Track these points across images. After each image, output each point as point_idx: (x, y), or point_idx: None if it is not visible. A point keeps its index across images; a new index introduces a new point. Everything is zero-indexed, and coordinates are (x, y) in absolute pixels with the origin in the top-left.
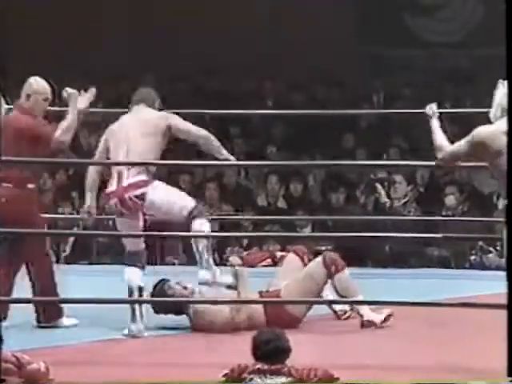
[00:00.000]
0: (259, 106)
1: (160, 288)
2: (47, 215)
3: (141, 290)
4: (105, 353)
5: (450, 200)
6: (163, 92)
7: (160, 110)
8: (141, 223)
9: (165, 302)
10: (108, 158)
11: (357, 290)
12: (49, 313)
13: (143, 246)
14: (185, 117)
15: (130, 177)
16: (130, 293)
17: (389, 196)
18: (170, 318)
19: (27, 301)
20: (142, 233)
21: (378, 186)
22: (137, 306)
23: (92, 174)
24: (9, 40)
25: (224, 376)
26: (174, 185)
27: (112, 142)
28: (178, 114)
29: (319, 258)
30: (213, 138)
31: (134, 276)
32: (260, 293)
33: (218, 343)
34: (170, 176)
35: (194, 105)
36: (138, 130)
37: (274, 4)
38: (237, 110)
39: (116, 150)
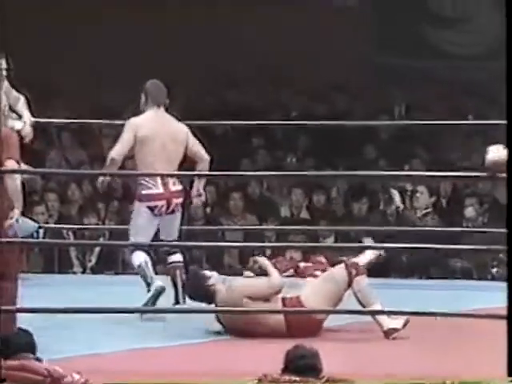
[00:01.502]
0: (283, 118)
1: (194, 274)
2: (73, 226)
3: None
4: (139, 362)
5: (470, 212)
6: (191, 104)
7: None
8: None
9: (198, 291)
10: (131, 157)
11: (376, 297)
12: None
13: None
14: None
15: (176, 184)
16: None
17: (404, 203)
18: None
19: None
20: (168, 243)
21: (393, 191)
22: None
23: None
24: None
25: None
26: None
27: (145, 145)
28: (203, 125)
29: (342, 263)
30: (208, 165)
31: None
32: (283, 299)
33: (246, 349)
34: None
35: (218, 117)
36: (169, 137)
37: (296, 18)
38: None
39: (153, 155)
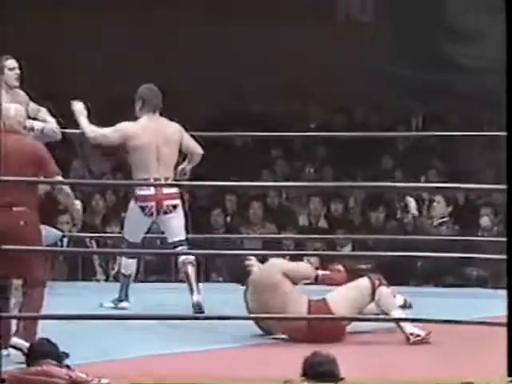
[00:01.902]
0: (303, 129)
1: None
2: (97, 234)
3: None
4: (159, 367)
5: (485, 221)
6: (215, 114)
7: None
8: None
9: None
10: (121, 156)
11: (396, 305)
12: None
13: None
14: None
15: (169, 187)
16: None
17: (421, 212)
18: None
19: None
20: (187, 251)
21: (409, 199)
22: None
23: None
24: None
25: None
26: (221, 204)
27: (139, 154)
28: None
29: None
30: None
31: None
32: (309, 301)
33: (268, 355)
34: (216, 195)
35: (239, 129)
36: (163, 142)
37: (314, 32)
38: (281, 132)
39: (147, 159)
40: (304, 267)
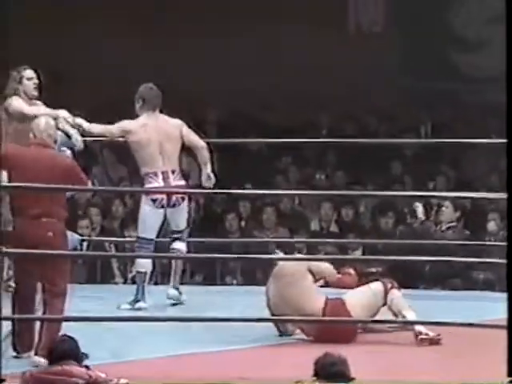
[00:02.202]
0: (315, 137)
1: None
2: (115, 238)
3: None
4: (179, 367)
5: (492, 226)
6: (226, 124)
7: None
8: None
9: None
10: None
11: (407, 307)
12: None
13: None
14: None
15: (177, 179)
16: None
17: (429, 216)
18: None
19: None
20: (205, 255)
21: (417, 204)
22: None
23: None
24: None
25: None
26: (235, 209)
27: (141, 150)
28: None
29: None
30: (207, 151)
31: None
32: (326, 298)
33: (281, 356)
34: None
35: (254, 136)
36: (165, 138)
37: (327, 44)
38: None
39: (151, 154)
40: (328, 267)
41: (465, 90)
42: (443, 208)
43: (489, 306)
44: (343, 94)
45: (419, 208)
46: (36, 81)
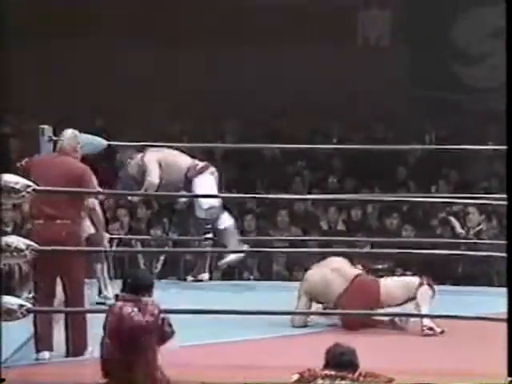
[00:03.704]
0: (325, 144)
1: None
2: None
3: None
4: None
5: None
6: (246, 132)
7: None
8: None
9: None
10: None
11: (427, 303)
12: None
13: None
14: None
15: None
16: None
17: (463, 227)
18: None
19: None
20: (223, 249)
21: (452, 219)
22: None
23: None
24: None
25: (296, 379)
26: (249, 211)
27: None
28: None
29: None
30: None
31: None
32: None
33: (295, 346)
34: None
35: (269, 143)
36: None
37: (338, 56)
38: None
39: None
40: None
41: (466, 100)
42: (470, 215)
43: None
44: (353, 105)
45: (456, 224)
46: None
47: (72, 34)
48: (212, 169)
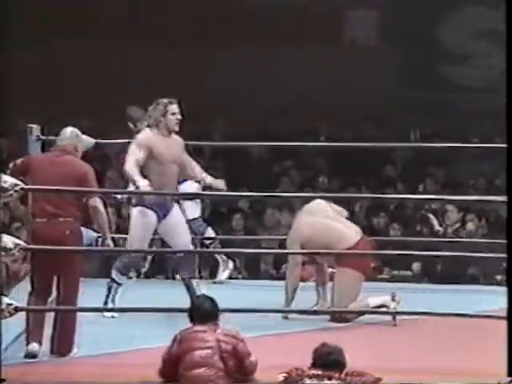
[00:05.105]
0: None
1: None
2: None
3: None
4: None
5: (470, 226)
6: (234, 133)
7: None
8: None
9: None
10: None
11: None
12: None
13: None
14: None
15: None
16: None
17: (441, 225)
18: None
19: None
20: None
21: (430, 216)
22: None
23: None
24: None
25: (283, 378)
26: (236, 211)
27: None
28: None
29: None
30: None
31: None
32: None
33: (281, 344)
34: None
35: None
36: None
37: (328, 57)
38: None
39: None
40: None
41: (453, 100)
42: (448, 212)
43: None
44: (341, 104)
45: (434, 221)
46: (179, 116)
47: (72, 34)
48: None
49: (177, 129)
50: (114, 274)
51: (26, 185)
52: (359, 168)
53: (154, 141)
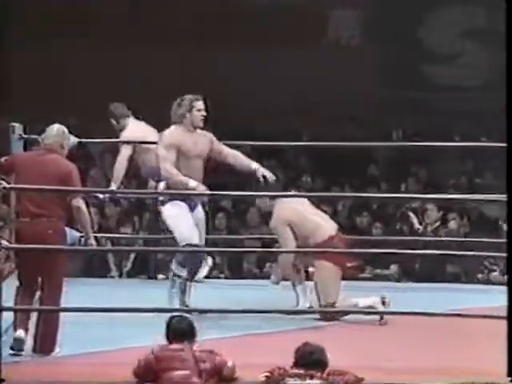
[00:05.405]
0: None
1: None
2: (112, 235)
3: None
4: None
5: (452, 224)
6: (219, 132)
7: None
8: None
9: None
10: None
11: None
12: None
13: None
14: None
15: None
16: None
17: (421, 223)
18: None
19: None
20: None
21: (410, 214)
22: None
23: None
24: None
25: (265, 377)
26: (220, 209)
27: None
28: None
29: None
30: None
31: None
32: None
33: (263, 344)
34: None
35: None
36: None
37: (309, 58)
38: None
39: None
40: None
41: (435, 99)
42: (428, 211)
43: (453, 296)
44: (323, 104)
45: (414, 220)
46: (204, 113)
47: (72, 34)
48: None
49: (201, 125)
50: (175, 267)
51: (9, 184)
52: (342, 167)
53: (182, 138)
